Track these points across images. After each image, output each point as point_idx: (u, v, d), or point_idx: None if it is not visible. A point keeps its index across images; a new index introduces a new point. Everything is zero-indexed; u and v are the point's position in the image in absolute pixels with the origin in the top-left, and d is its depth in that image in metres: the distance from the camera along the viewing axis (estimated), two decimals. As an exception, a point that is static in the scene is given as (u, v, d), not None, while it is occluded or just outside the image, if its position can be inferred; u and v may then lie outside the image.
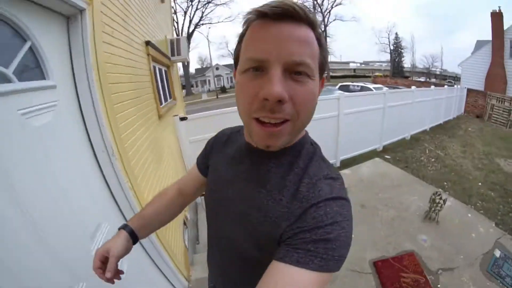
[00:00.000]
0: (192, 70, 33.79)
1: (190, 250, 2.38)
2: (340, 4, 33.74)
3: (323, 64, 0.48)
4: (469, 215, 3.23)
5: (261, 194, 0.51)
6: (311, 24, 0.44)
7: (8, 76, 0.70)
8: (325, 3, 33.89)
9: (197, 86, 33.96)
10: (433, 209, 2.97)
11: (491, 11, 12.28)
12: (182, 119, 3.22)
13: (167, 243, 1.52)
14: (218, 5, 27.21)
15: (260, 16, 0.43)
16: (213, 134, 0.76)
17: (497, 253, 2.57)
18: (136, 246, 1.28)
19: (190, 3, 25.26)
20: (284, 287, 0.39)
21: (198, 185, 0.77)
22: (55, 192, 0.82)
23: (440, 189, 3.62)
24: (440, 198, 2.96)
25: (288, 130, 0.45)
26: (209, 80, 33.22)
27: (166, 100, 3.51)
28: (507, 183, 4.48)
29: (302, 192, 0.47)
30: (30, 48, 0.82)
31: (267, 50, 0.41)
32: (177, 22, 23.54)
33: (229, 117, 3.18)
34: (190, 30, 26.12)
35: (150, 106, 2.30)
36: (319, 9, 33.06)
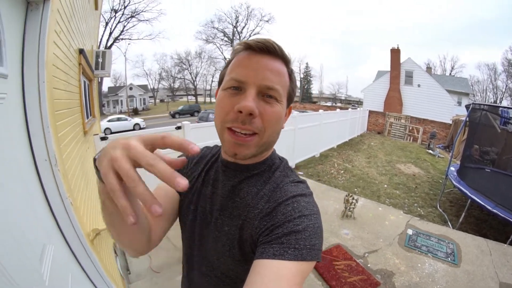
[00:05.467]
0: (105, 88, 29.95)
1: (125, 280, 2.02)
2: (258, 33, 35.04)
3: (291, 95, 0.57)
4: (380, 208, 3.92)
5: (237, 203, 0.56)
6: (285, 61, 0.54)
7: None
8: (244, 31, 35.27)
9: (108, 106, 30.09)
10: (348, 208, 3.49)
11: (391, 48, 15.58)
12: (103, 138, 2.89)
13: (108, 273, 1.28)
14: (142, 20, 26.20)
15: (246, 47, 0.52)
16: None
17: (410, 231, 3.25)
18: (78, 272, 1.05)
19: (114, 14, 23.35)
20: (268, 279, 0.40)
21: (171, 202, 0.63)
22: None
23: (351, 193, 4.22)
24: (353, 198, 3.51)
25: (255, 143, 0.51)
26: (121, 101, 30.26)
27: (87, 116, 3.07)
28: (408, 182, 5.70)
29: (271, 196, 0.53)
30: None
31: (247, 74, 0.50)
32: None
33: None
34: (109, 44, 23.70)
35: (78, 120, 2.02)
36: (238, 37, 34.53)
